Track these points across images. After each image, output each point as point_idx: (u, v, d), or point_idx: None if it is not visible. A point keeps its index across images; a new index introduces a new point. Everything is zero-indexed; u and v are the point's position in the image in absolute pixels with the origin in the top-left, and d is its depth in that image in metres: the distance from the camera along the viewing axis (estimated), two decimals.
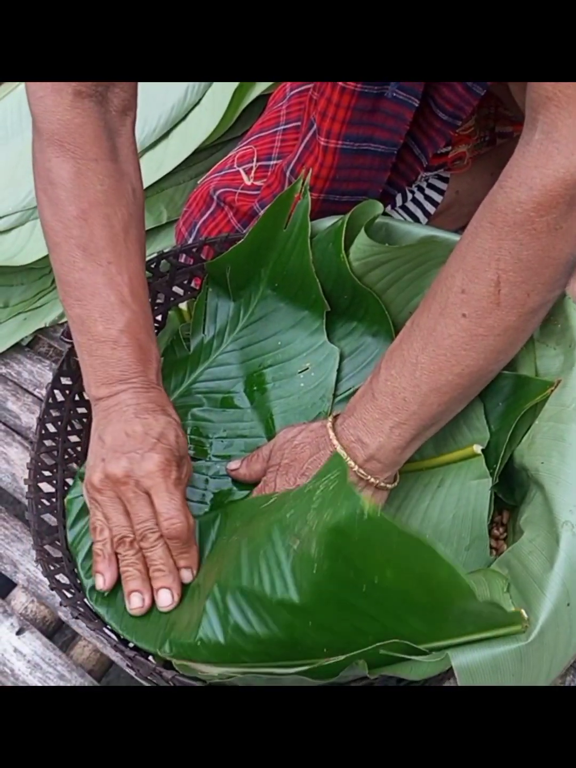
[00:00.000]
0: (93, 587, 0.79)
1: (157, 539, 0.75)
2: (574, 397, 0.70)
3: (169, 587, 0.76)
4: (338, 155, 0.94)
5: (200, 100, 1.27)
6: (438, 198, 1.17)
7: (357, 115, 0.90)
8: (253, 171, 1.09)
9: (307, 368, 0.90)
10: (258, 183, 1.08)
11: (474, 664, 0.61)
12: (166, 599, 0.76)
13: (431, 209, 1.17)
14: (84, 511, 0.83)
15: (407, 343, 0.71)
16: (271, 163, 1.09)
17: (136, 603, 0.76)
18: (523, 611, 0.61)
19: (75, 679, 0.94)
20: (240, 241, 0.92)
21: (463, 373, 0.69)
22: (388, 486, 0.76)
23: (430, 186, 1.16)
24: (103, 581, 0.77)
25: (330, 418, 0.77)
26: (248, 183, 1.08)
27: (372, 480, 0.74)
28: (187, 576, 0.77)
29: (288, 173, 1.00)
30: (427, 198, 1.16)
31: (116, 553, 0.77)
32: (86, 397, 0.93)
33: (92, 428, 0.80)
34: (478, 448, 0.75)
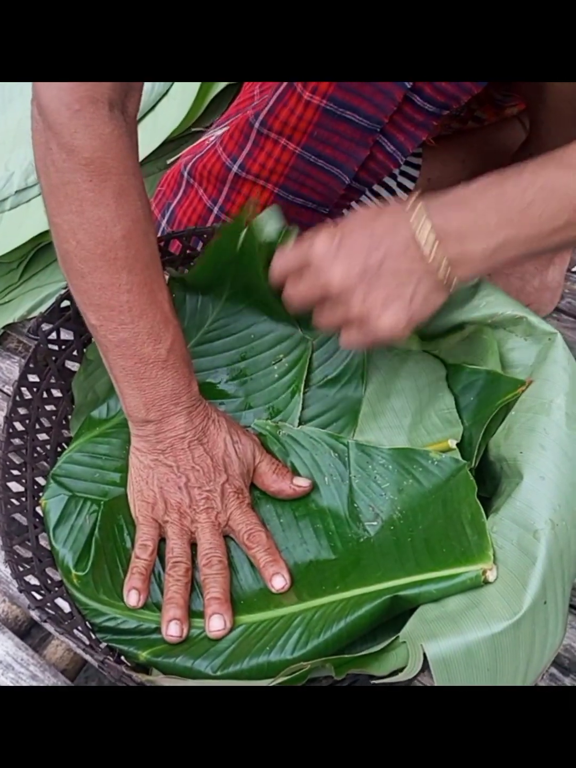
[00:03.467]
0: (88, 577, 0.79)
1: (222, 569, 0.78)
2: (554, 391, 0.70)
3: (222, 614, 0.76)
4: (320, 113, 0.92)
5: (168, 90, 1.26)
6: (410, 185, 1.16)
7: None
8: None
9: (281, 359, 0.89)
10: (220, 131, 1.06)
11: (448, 652, 0.62)
12: (217, 624, 0.75)
13: (403, 196, 1.16)
14: (67, 511, 0.83)
15: (556, 164, 0.65)
16: None
17: (174, 631, 0.75)
18: (491, 555, 0.65)
19: (48, 679, 0.93)
20: (194, 267, 0.92)
21: None
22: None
23: (403, 173, 1.15)
24: (137, 599, 0.78)
25: (413, 201, 0.68)
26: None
27: (452, 281, 0.68)
28: (278, 582, 0.77)
29: (257, 124, 0.97)
30: (400, 185, 1.15)
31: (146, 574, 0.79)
32: (56, 395, 0.92)
33: (142, 447, 0.80)
34: (452, 443, 0.75)
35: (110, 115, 0.68)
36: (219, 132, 1.10)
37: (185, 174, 1.07)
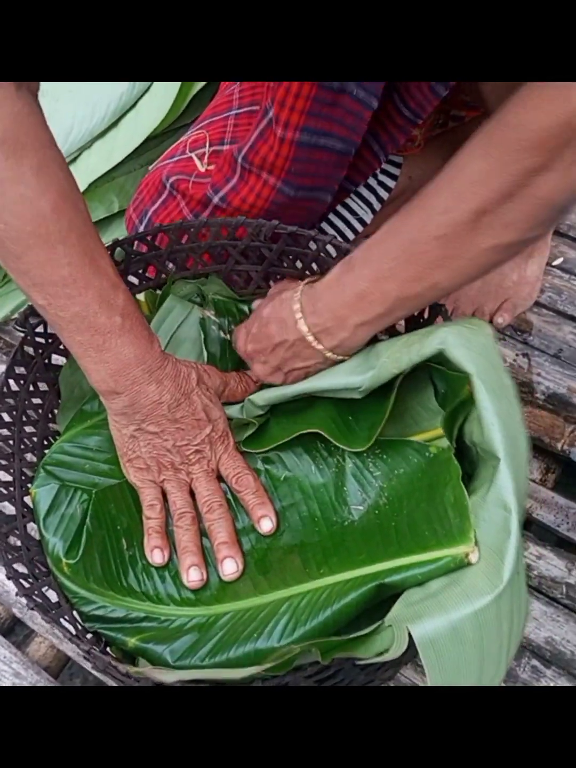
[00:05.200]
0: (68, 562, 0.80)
1: (224, 512, 0.81)
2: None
3: (233, 556, 0.79)
4: (294, 147, 0.92)
5: (149, 87, 1.26)
6: (391, 183, 1.17)
7: (317, 107, 0.88)
8: (205, 157, 1.07)
9: None
10: (211, 168, 1.07)
11: (434, 633, 0.62)
12: (230, 567, 0.78)
13: (384, 195, 1.17)
14: (58, 500, 0.83)
15: (383, 250, 0.72)
16: (224, 147, 1.07)
17: (195, 576, 0.78)
18: (473, 536, 0.67)
19: (31, 677, 0.93)
20: None
21: (431, 288, 0.71)
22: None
23: (383, 171, 1.16)
24: (162, 556, 0.80)
25: (298, 299, 0.80)
26: (202, 170, 1.07)
27: (340, 358, 0.80)
28: (266, 525, 0.80)
29: (240, 159, 0.98)
30: (381, 184, 1.16)
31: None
32: (42, 388, 0.92)
33: (120, 419, 0.80)
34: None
35: (17, 93, 0.67)
36: (193, 136, 1.11)
37: (167, 184, 1.08)
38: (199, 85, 1.27)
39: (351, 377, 0.78)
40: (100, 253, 0.75)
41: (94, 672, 0.93)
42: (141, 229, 1.10)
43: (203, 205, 1.04)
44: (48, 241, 0.71)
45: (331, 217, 1.16)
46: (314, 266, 0.94)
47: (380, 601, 0.71)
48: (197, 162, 1.07)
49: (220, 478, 0.83)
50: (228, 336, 0.93)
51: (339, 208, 1.16)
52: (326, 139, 0.92)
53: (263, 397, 0.84)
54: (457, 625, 0.62)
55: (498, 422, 0.67)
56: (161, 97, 1.24)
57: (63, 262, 0.71)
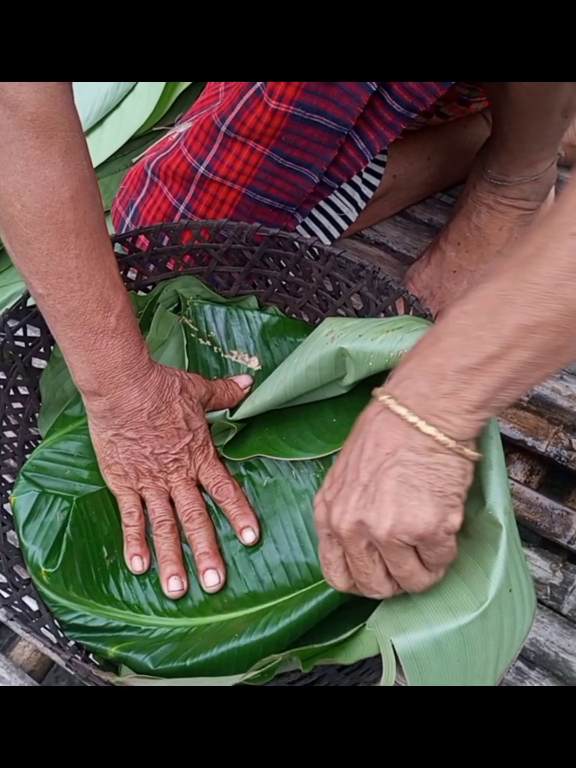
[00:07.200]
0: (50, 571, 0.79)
1: (204, 521, 0.80)
2: None
3: (215, 568, 0.78)
4: (287, 119, 0.92)
5: (134, 87, 1.26)
6: (375, 182, 1.16)
7: (314, 84, 0.88)
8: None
9: None
10: (180, 129, 1.05)
11: (417, 646, 0.62)
12: (212, 579, 0.78)
13: (369, 193, 1.16)
14: (37, 507, 0.82)
15: (491, 282, 0.54)
16: None
17: (175, 586, 0.78)
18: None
19: (15, 681, 0.93)
20: None
21: (561, 309, 0.51)
22: (468, 452, 0.57)
23: (368, 170, 1.15)
24: (141, 563, 0.79)
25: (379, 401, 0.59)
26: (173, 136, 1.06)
27: (452, 445, 0.56)
28: (249, 536, 0.79)
29: (223, 127, 0.97)
30: (365, 182, 1.15)
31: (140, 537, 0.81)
32: (23, 392, 0.91)
33: (99, 422, 0.79)
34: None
35: None
36: (182, 129, 1.09)
37: (149, 172, 1.07)
38: (184, 84, 1.27)
39: (324, 378, 0.77)
40: (107, 249, 0.74)
41: (78, 676, 0.92)
42: (128, 221, 1.09)
43: (187, 180, 1.03)
44: (62, 230, 0.70)
45: (316, 215, 1.16)
46: (297, 267, 0.94)
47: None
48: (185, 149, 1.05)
49: (201, 487, 0.83)
50: (207, 342, 0.92)
51: (324, 205, 1.15)
52: (321, 116, 0.92)
53: (242, 413, 0.83)
54: (441, 640, 0.61)
55: (491, 429, 0.67)
56: (145, 97, 1.24)
57: (72, 254, 0.71)
